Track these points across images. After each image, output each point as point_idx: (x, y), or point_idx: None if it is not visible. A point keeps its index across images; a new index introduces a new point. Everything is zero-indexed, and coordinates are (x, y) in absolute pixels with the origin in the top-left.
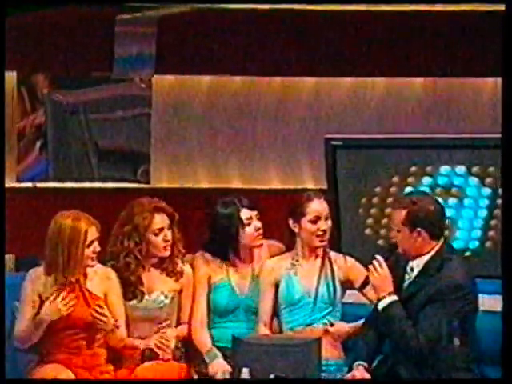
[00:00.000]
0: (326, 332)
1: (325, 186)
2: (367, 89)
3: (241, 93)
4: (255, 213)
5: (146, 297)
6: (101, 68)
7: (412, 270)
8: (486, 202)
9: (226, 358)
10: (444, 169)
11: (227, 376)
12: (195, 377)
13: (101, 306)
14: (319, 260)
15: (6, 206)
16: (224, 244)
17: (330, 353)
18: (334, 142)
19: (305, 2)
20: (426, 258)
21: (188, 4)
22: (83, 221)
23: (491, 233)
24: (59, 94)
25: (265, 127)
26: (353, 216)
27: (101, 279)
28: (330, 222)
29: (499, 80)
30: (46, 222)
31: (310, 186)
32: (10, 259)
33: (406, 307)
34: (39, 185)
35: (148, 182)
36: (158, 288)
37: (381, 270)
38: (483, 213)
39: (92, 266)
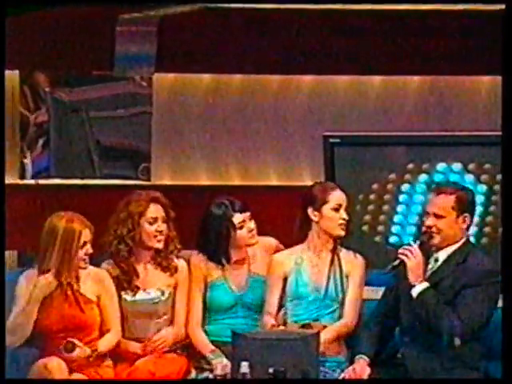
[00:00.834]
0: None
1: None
2: (365, 87)
3: (240, 91)
4: (248, 214)
5: (143, 292)
6: (102, 67)
7: (437, 260)
8: (482, 198)
9: (225, 352)
10: (440, 166)
11: (227, 371)
12: (194, 371)
13: (73, 343)
14: (329, 255)
15: (8, 202)
16: (217, 246)
17: (329, 349)
18: (332, 140)
19: (303, 1)
20: (452, 248)
21: (187, 4)
22: (77, 222)
23: (487, 229)
24: (61, 93)
25: (264, 125)
26: (350, 212)
27: (94, 282)
28: (346, 213)
29: (495, 78)
30: (47, 218)
31: (309, 182)
32: (12, 255)
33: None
34: (41, 181)
35: (149, 179)
36: (154, 283)
37: (417, 256)
38: (479, 209)
39: (84, 268)
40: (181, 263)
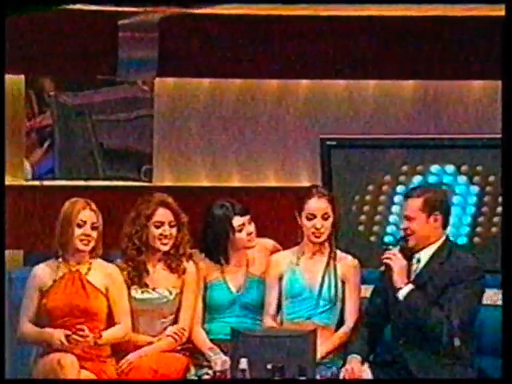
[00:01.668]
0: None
1: (320, 184)
2: (360, 91)
3: (239, 94)
4: (247, 218)
5: (151, 291)
6: (105, 71)
7: (419, 261)
8: (474, 199)
9: (223, 349)
10: (434, 168)
11: (227, 367)
12: (193, 368)
13: (82, 329)
14: (325, 257)
15: (14, 203)
16: (216, 247)
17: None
18: (328, 142)
19: (303, 1)
20: (432, 248)
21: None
22: (79, 203)
23: (479, 229)
24: (65, 97)
25: (262, 128)
26: (346, 213)
27: (103, 274)
28: (329, 220)
29: (487, 83)
30: (52, 219)
31: (306, 184)
32: (18, 254)
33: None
34: (46, 183)
35: (150, 181)
36: (163, 283)
37: (400, 260)
38: (471, 210)
39: (83, 252)
40: (190, 265)
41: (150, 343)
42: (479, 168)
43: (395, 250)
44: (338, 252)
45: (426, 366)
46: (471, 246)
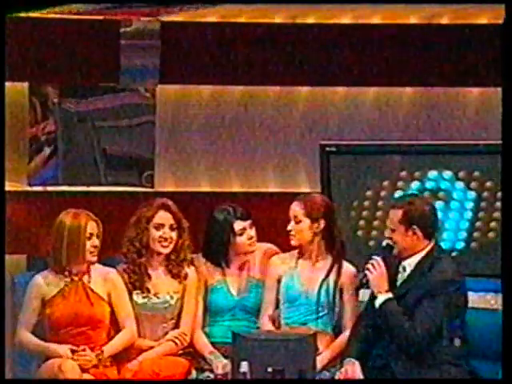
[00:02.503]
0: None
1: (319, 190)
2: (360, 98)
3: (240, 101)
4: (249, 222)
5: (153, 296)
6: (108, 79)
7: (404, 269)
8: (471, 204)
9: (224, 353)
10: (432, 174)
11: (227, 370)
12: (194, 372)
13: (84, 349)
14: (328, 265)
15: (17, 208)
16: (218, 251)
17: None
18: (328, 148)
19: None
20: (418, 257)
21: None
22: (82, 216)
23: (476, 234)
24: (69, 104)
25: (263, 134)
26: (345, 218)
27: (104, 280)
28: (301, 224)
29: (485, 90)
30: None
31: (306, 189)
32: (21, 259)
33: (401, 304)
34: (50, 188)
35: (152, 186)
36: (164, 288)
37: (379, 268)
38: (469, 215)
39: (93, 263)
40: (191, 271)
41: (152, 348)
42: (476, 174)
43: (378, 258)
44: (345, 263)
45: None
46: (468, 250)
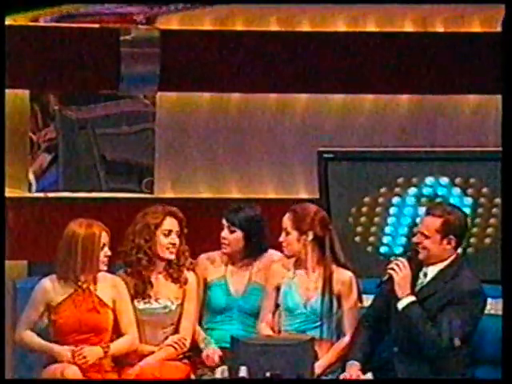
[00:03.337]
0: None
1: (317, 196)
2: (357, 105)
3: (239, 109)
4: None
5: (154, 302)
6: (108, 86)
7: (425, 275)
8: (468, 210)
9: (223, 358)
10: (429, 180)
11: (226, 375)
12: (194, 378)
13: (84, 356)
14: (321, 273)
15: (18, 214)
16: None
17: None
18: (326, 155)
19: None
20: (441, 265)
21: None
22: (95, 226)
23: (473, 240)
24: (69, 111)
25: (261, 141)
26: (343, 224)
27: (109, 287)
28: (290, 236)
29: (480, 97)
30: (56, 229)
31: (304, 195)
32: (23, 265)
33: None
34: (50, 195)
35: (152, 193)
36: (165, 294)
37: (404, 270)
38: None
39: (104, 271)
40: (191, 275)
41: (152, 352)
42: (473, 180)
43: (403, 260)
44: (334, 266)
45: (415, 375)
46: (465, 256)
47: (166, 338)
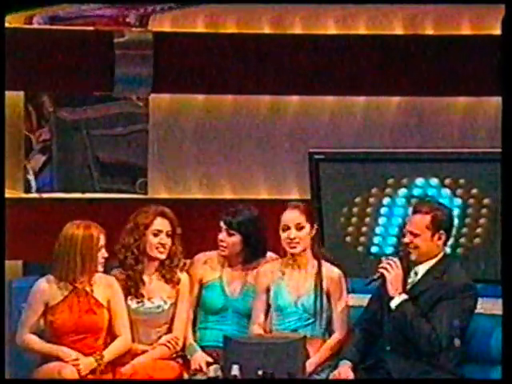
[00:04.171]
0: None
1: (309, 197)
2: (349, 107)
3: (232, 110)
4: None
5: (147, 301)
6: (102, 88)
7: (416, 273)
8: (457, 211)
9: (215, 357)
10: (419, 181)
11: (219, 373)
12: (186, 376)
13: (76, 359)
14: (311, 270)
15: (13, 215)
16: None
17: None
18: (317, 156)
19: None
20: (431, 262)
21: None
22: (93, 228)
23: (462, 240)
24: (63, 112)
25: (254, 142)
26: (334, 224)
27: (104, 287)
28: (304, 231)
29: (471, 99)
30: (50, 229)
31: (295, 196)
32: (17, 265)
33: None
34: (45, 195)
35: (146, 193)
36: (158, 294)
37: (396, 269)
38: (455, 221)
39: (100, 272)
40: (184, 276)
41: (145, 352)
42: (462, 181)
43: (395, 259)
44: (323, 263)
45: (407, 374)
46: (455, 256)
47: (160, 337)
